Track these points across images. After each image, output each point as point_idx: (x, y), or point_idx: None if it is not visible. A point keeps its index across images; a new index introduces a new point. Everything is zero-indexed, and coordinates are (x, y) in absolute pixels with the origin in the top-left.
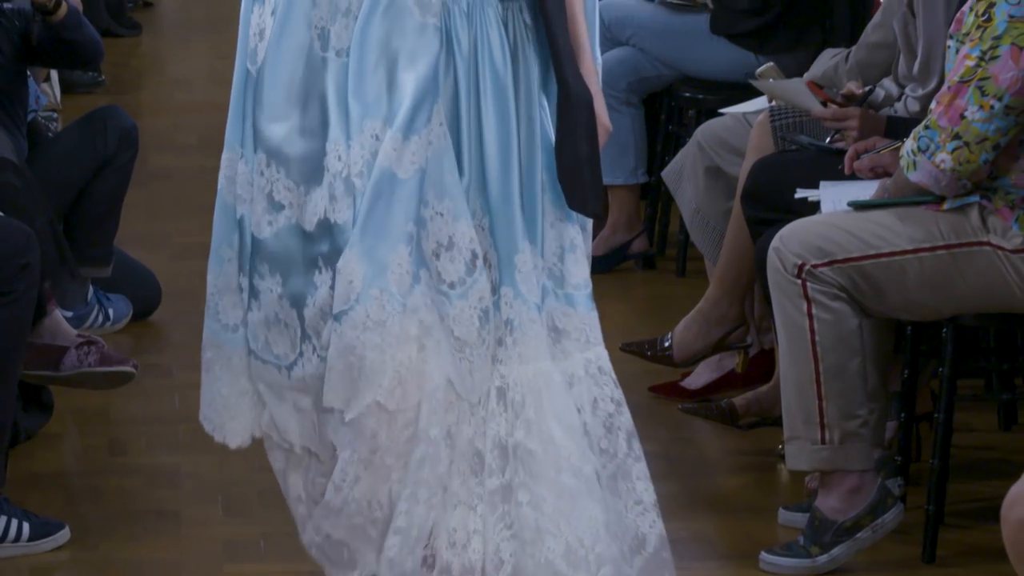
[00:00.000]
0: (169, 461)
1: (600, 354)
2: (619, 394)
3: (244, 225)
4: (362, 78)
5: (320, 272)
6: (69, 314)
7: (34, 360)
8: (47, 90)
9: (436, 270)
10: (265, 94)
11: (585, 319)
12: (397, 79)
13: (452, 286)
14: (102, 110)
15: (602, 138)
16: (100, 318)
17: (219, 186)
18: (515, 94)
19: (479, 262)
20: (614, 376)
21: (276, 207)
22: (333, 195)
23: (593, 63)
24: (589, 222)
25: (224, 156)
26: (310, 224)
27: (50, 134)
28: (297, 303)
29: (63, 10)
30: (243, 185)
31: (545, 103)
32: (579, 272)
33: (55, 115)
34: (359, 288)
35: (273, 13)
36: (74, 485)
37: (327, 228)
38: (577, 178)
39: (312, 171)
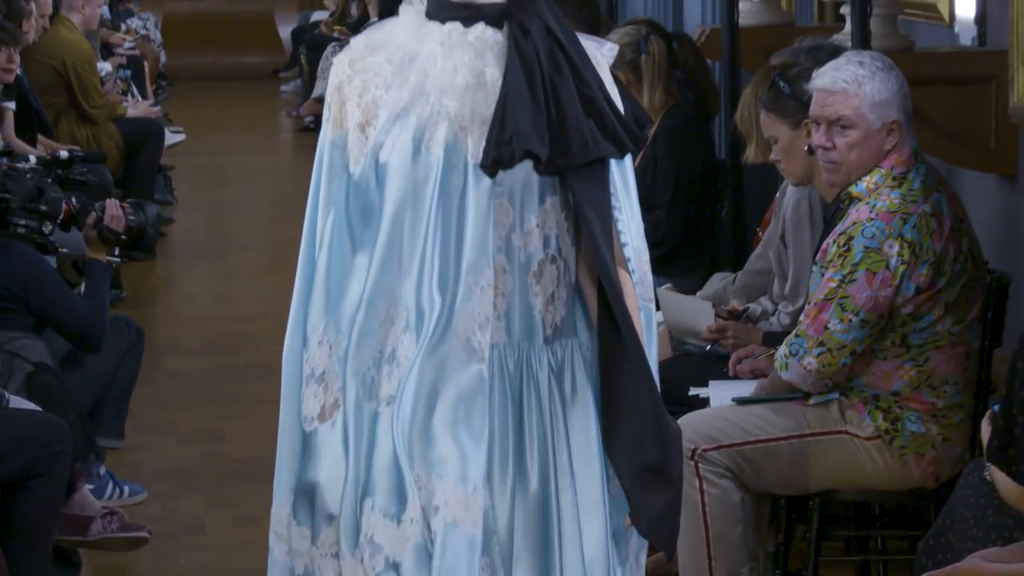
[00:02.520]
0: None
1: None
2: None
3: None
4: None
5: None
6: (91, 486)
7: (66, 527)
8: None
9: None
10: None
11: None
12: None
13: None
14: (115, 320)
15: None
16: (116, 492)
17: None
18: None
19: None
20: None
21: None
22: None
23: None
24: None
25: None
26: None
27: None
28: None
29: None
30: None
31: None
32: None
33: None
34: None
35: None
36: None
37: None
38: (668, 516)
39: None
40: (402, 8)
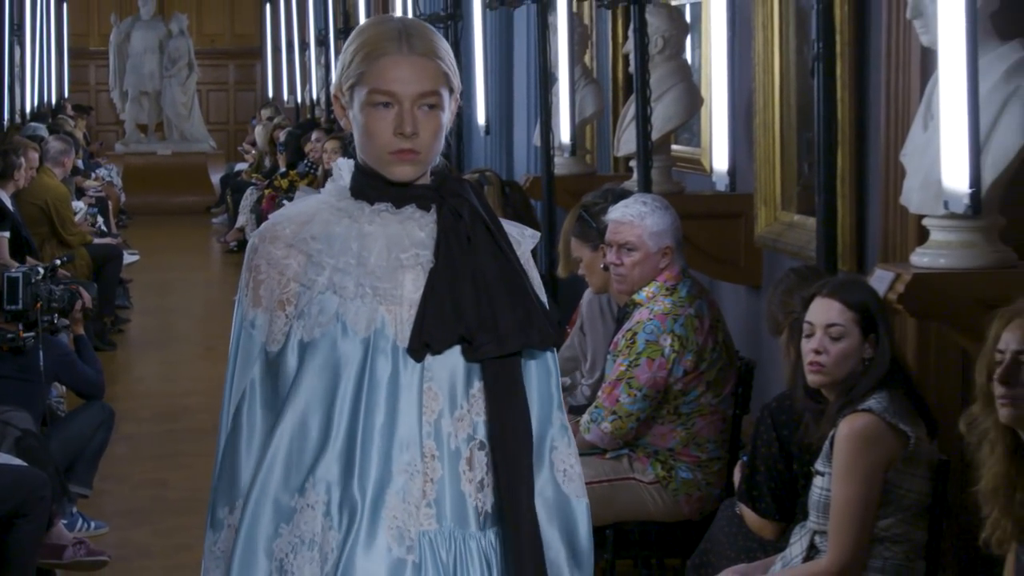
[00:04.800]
0: None
1: None
2: None
3: None
4: None
5: None
6: (65, 521)
7: (46, 553)
8: (57, 386)
9: None
10: None
11: None
12: None
13: None
14: (92, 403)
15: None
16: (84, 527)
17: None
18: None
19: None
20: None
21: None
22: None
23: None
24: None
25: None
26: None
27: (60, 413)
28: None
29: (79, 327)
30: None
31: None
32: None
33: (62, 401)
34: None
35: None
36: None
37: None
38: None
39: None
40: (328, 184)
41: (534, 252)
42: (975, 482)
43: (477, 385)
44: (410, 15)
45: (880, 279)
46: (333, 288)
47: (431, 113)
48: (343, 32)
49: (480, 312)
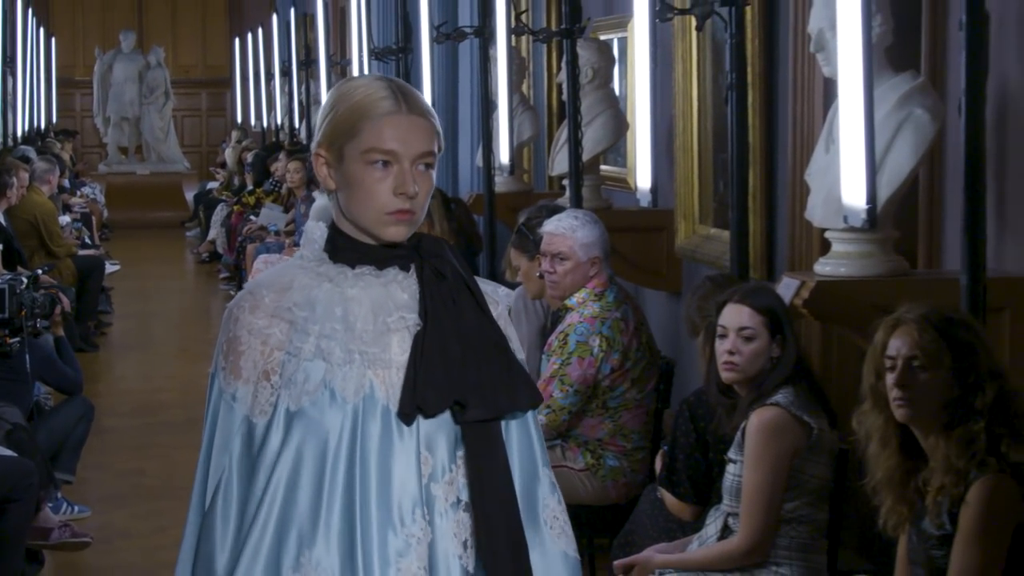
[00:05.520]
0: None
1: None
2: None
3: None
4: None
5: None
6: (51, 505)
7: (34, 535)
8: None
9: None
10: None
11: None
12: None
13: None
14: (74, 398)
15: None
16: (69, 510)
17: None
18: None
19: None
20: None
21: None
22: None
23: None
24: None
25: None
26: None
27: (47, 407)
28: None
29: (59, 328)
30: None
31: None
32: None
33: (49, 396)
34: None
35: None
36: None
37: None
38: None
39: None
40: (303, 249)
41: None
42: (867, 473)
43: (461, 449)
44: (365, 49)
45: (787, 286)
46: (320, 355)
47: (426, 173)
48: (305, 64)
49: (470, 375)
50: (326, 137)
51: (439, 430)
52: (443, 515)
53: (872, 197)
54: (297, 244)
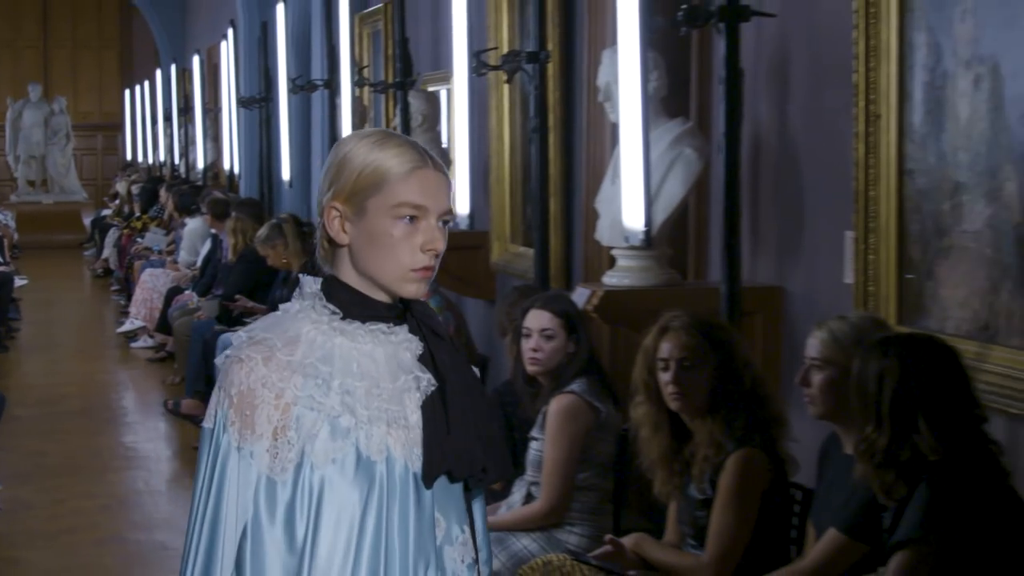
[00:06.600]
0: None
1: None
2: None
3: None
4: None
5: None
6: None
7: None
8: None
9: None
10: None
11: None
12: None
13: None
14: None
15: None
16: None
17: None
18: None
19: None
20: None
21: None
22: None
23: None
24: None
25: None
26: None
27: None
28: None
29: None
30: None
31: None
32: None
33: None
34: None
35: None
36: None
37: None
38: None
39: None
40: (304, 301)
41: None
42: (639, 453)
43: (466, 511)
44: (233, 98)
45: (581, 294)
46: (347, 410)
47: (444, 229)
48: (183, 110)
49: (483, 437)
50: (345, 190)
51: (447, 493)
52: None
53: (649, 221)
54: (175, 262)
